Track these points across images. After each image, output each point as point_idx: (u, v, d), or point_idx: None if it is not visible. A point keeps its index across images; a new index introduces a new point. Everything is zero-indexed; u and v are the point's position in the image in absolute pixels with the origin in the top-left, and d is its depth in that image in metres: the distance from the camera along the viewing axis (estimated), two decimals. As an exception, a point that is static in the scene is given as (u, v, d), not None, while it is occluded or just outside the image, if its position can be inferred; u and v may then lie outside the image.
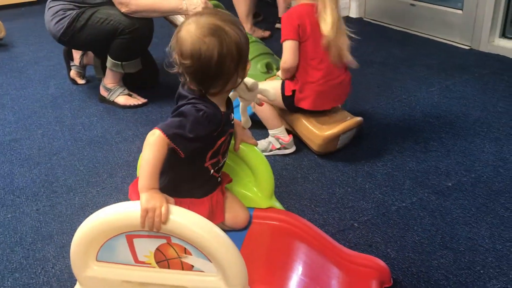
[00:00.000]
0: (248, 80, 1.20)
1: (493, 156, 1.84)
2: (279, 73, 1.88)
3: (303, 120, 1.87)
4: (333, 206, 1.63)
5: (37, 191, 1.79)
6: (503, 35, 2.75)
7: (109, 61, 2.28)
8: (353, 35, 1.77)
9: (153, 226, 0.93)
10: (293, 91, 1.81)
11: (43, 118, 2.32)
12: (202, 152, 1.11)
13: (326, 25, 1.71)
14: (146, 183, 0.97)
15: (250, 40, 2.19)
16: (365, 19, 3.45)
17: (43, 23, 2.33)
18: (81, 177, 1.86)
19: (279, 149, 1.90)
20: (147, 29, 2.24)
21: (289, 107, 1.86)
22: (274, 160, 1.89)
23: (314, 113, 1.86)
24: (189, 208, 0.98)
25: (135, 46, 2.25)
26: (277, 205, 1.33)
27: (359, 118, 1.88)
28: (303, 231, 1.29)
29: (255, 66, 2.11)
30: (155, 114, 2.31)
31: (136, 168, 1.37)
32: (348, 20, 3.44)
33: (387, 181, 1.74)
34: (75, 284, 1.09)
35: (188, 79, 1.06)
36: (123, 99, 2.38)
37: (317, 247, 1.30)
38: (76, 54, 2.59)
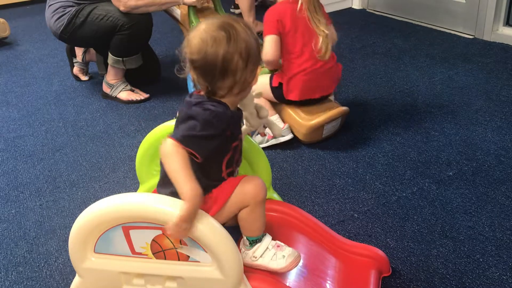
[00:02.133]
0: (261, 106, 1.20)
1: (494, 145, 1.83)
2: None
3: (289, 110, 1.91)
4: (334, 197, 1.63)
5: (40, 187, 1.81)
6: (507, 23, 2.72)
7: (110, 57, 2.29)
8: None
9: (177, 235, 0.94)
10: (280, 84, 1.86)
11: (47, 115, 2.34)
12: (218, 161, 1.09)
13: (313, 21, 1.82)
14: (185, 189, 0.94)
15: None
16: (368, 10, 3.43)
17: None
18: (83, 172, 1.88)
19: (275, 138, 1.90)
20: (146, 24, 2.25)
21: (278, 98, 1.90)
22: (275, 153, 1.89)
23: (301, 103, 1.89)
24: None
25: (135, 42, 2.26)
26: (275, 196, 1.34)
27: (344, 108, 1.89)
28: (301, 222, 1.30)
29: None
30: (158, 109, 2.32)
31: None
32: (350, 11, 3.45)
33: (387, 172, 1.73)
34: (76, 277, 1.11)
35: (196, 78, 1.05)
36: (125, 94, 2.39)
37: (315, 237, 1.30)
38: (79, 51, 2.61)
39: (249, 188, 1.09)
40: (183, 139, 0.98)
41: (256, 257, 1.11)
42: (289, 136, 1.91)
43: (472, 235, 1.43)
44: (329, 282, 1.22)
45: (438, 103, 2.16)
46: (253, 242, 1.12)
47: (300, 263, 1.23)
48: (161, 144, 0.99)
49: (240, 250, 1.11)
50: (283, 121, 1.94)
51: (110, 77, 2.39)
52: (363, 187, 1.67)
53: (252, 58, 1.03)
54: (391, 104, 2.19)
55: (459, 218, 1.49)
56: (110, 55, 2.29)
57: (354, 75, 2.47)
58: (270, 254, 1.12)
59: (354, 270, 1.27)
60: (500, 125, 1.95)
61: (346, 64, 2.54)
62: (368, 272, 1.26)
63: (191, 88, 1.13)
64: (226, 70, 1.01)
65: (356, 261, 1.28)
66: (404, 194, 1.61)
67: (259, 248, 1.12)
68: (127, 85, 2.41)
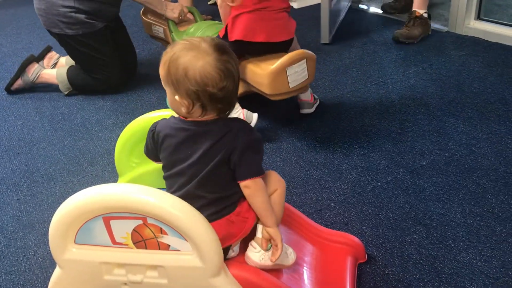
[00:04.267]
0: None
1: (466, 135, 1.89)
2: None
3: (247, 65, 1.84)
4: (311, 187, 1.66)
5: (17, 181, 1.80)
6: (478, 17, 2.79)
7: (65, 78, 2.37)
8: None
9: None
10: (226, 29, 1.82)
11: (22, 109, 2.31)
12: None
13: None
14: (274, 219, 1.11)
15: (213, 23, 2.31)
16: (352, 7, 3.45)
17: (22, 14, 2.32)
18: (61, 166, 1.87)
19: None
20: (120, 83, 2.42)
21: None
22: (253, 145, 1.91)
23: (259, 56, 1.84)
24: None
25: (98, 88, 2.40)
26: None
27: (308, 52, 1.83)
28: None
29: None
30: (135, 103, 2.32)
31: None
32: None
33: (363, 162, 1.77)
34: (57, 269, 1.11)
35: (193, 104, 1.04)
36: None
37: (294, 226, 1.33)
38: (49, 61, 2.57)
39: (273, 176, 1.17)
40: (262, 171, 1.08)
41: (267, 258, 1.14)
42: (254, 119, 1.87)
43: (444, 221, 1.48)
44: (306, 268, 1.25)
45: (412, 95, 2.21)
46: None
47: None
48: (252, 184, 1.07)
49: (250, 252, 1.13)
50: (247, 82, 1.88)
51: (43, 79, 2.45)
52: (339, 177, 1.71)
53: (204, 86, 1.03)
54: (367, 96, 2.23)
55: (432, 206, 1.54)
56: (68, 73, 2.38)
57: (330, 68, 2.50)
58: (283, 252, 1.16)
59: (331, 257, 1.30)
60: (472, 116, 2.01)
61: (322, 57, 2.58)
62: (345, 259, 1.30)
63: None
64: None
65: (333, 248, 1.32)
66: (379, 184, 1.66)
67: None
68: (40, 68, 2.46)
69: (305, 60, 1.81)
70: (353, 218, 1.51)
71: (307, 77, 1.84)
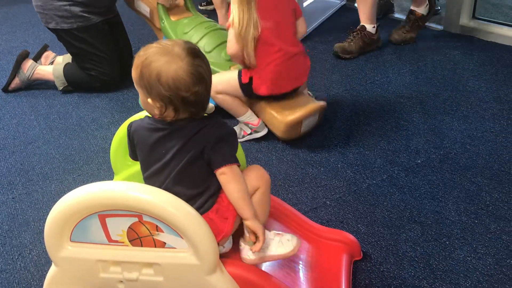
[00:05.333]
0: None
1: (461, 133, 1.90)
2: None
3: (266, 107, 1.86)
4: (307, 186, 1.67)
5: (12, 180, 1.79)
6: (473, 16, 2.80)
7: (61, 73, 2.36)
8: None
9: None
10: (250, 78, 1.79)
11: (18, 108, 2.30)
12: None
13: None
14: (251, 211, 1.08)
15: (214, 28, 2.19)
16: (347, 5, 3.45)
17: (17, 13, 2.31)
18: (57, 164, 1.87)
19: (250, 134, 1.92)
20: (117, 81, 2.39)
21: (248, 95, 1.84)
22: (249, 144, 1.92)
23: (277, 99, 1.85)
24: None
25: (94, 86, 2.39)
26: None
27: (322, 103, 1.88)
28: (276, 209, 1.33)
29: (219, 54, 2.08)
30: (131, 102, 2.31)
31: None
32: (330, 5, 3.46)
33: (358, 160, 1.78)
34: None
35: (166, 107, 1.06)
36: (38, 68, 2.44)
37: (289, 224, 1.34)
38: (46, 60, 2.56)
39: (254, 172, 1.16)
40: (235, 159, 1.07)
41: (263, 250, 1.12)
42: (263, 132, 1.91)
43: (439, 219, 1.48)
44: (302, 266, 1.25)
45: (407, 94, 2.22)
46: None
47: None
48: (228, 170, 1.05)
49: (242, 251, 1.12)
50: (258, 116, 1.92)
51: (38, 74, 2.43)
52: (335, 175, 1.71)
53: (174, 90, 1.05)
54: (362, 95, 2.24)
55: (427, 204, 1.55)
56: (68, 68, 2.36)
57: (326, 67, 2.50)
58: (275, 242, 1.13)
59: (327, 254, 1.31)
60: (466, 114, 2.02)
61: (318, 56, 2.58)
62: (340, 256, 1.31)
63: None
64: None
65: (329, 246, 1.33)
66: (374, 182, 1.66)
67: (273, 237, 1.15)
68: (35, 64, 2.45)
69: (319, 111, 1.88)
70: (348, 216, 1.52)
71: (316, 123, 1.93)
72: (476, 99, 2.14)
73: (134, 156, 1.17)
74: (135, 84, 1.07)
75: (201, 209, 1.07)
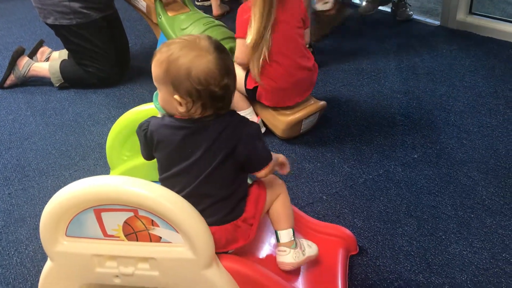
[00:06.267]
0: None
1: (457, 128, 1.90)
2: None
3: (267, 106, 1.86)
4: (303, 181, 1.67)
5: (8, 176, 1.79)
6: (470, 12, 2.80)
7: (57, 69, 2.35)
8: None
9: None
10: (255, 87, 1.79)
11: (14, 104, 2.30)
12: None
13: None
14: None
15: (213, 24, 2.18)
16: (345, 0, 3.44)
17: (13, 9, 2.30)
18: (53, 160, 1.86)
19: None
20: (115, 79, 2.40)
21: (251, 98, 1.86)
22: (245, 138, 1.91)
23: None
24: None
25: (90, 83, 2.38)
26: (248, 181, 1.36)
27: (322, 102, 1.88)
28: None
29: None
30: (127, 97, 2.31)
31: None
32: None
33: (355, 155, 1.78)
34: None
35: (191, 103, 1.04)
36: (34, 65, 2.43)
37: (285, 218, 1.34)
38: (41, 56, 2.55)
39: (271, 180, 1.19)
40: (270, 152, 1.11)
41: (303, 250, 1.17)
42: (262, 130, 1.91)
43: (435, 214, 1.49)
44: (298, 260, 1.25)
45: (404, 89, 2.22)
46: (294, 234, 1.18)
47: (270, 243, 1.27)
48: (269, 169, 1.10)
49: (282, 257, 1.16)
50: (257, 115, 1.92)
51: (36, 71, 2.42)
52: (331, 170, 1.71)
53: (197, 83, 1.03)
54: (359, 90, 2.24)
55: (423, 198, 1.55)
56: (64, 64, 2.36)
57: (323, 61, 2.50)
58: (306, 246, 1.19)
59: (323, 249, 1.30)
60: (463, 110, 2.02)
61: (316, 52, 2.58)
62: (337, 251, 1.31)
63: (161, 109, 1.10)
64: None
65: (325, 241, 1.32)
66: (371, 176, 1.66)
67: (300, 240, 1.19)
68: (31, 61, 2.45)
69: (319, 111, 1.89)
70: (345, 211, 1.52)
71: (316, 122, 1.93)
72: (473, 94, 2.14)
73: (149, 156, 1.12)
74: (155, 82, 1.03)
75: (231, 215, 1.07)
